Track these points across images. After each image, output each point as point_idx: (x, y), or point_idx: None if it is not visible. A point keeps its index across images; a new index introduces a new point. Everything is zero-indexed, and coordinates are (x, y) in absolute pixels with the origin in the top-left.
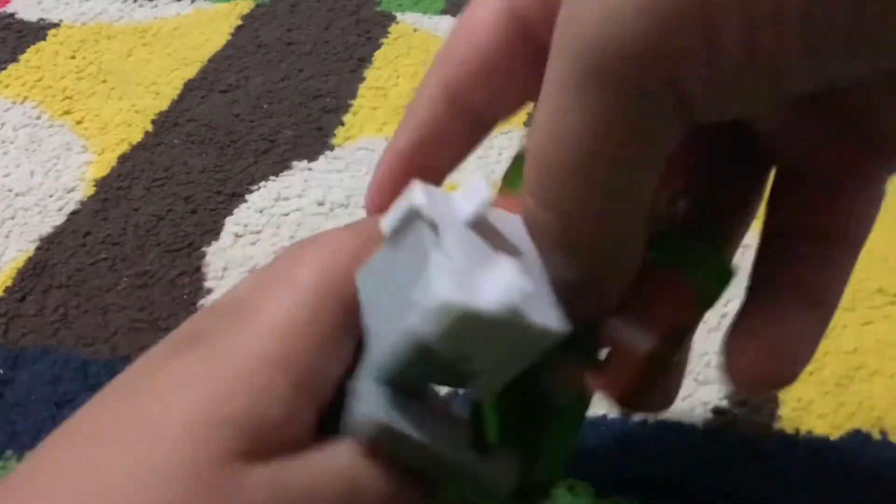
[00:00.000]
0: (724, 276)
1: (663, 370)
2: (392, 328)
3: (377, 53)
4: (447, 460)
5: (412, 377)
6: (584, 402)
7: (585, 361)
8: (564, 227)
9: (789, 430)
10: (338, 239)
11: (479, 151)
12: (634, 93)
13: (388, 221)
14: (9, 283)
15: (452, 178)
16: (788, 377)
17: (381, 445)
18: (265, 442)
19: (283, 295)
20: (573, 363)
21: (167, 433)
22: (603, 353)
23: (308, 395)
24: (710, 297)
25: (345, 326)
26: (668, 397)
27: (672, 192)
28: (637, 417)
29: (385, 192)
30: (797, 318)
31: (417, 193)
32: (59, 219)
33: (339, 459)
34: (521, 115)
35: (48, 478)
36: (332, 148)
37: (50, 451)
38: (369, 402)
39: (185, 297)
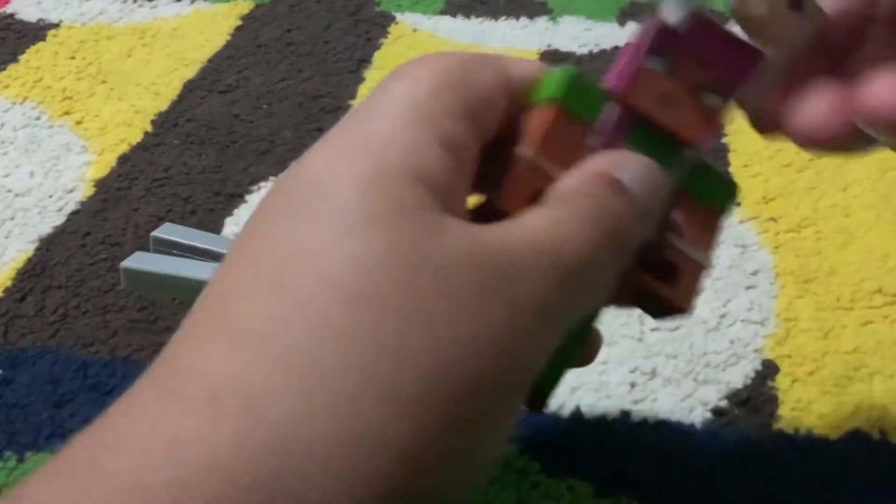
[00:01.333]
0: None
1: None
2: None
3: (377, 54)
4: None
5: None
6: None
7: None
8: None
9: (789, 430)
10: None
11: None
12: None
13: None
14: (8, 283)
15: None
16: None
17: None
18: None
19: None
20: None
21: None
22: None
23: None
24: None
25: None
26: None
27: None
28: (637, 417)
29: None
30: None
31: None
32: (59, 219)
33: (543, 221)
34: None
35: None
36: None
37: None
38: None
39: None
